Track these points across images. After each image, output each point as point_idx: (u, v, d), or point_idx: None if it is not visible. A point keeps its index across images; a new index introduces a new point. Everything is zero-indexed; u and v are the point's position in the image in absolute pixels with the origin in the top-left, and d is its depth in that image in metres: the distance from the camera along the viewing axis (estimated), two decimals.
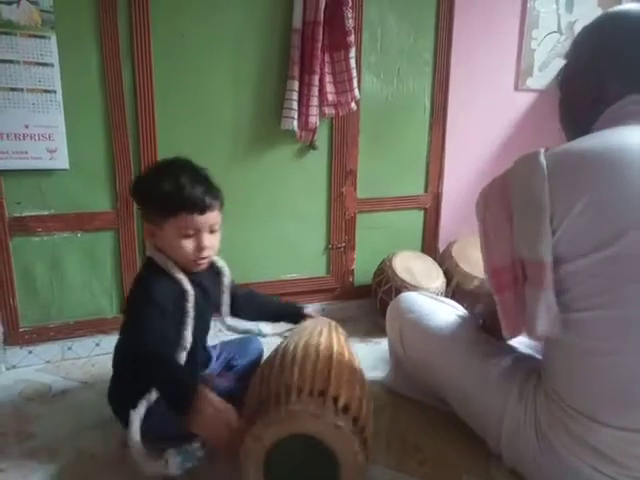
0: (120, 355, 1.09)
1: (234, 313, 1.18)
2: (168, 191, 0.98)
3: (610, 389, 0.76)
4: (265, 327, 1.26)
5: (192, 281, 1.04)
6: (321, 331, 1.05)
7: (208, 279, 1.11)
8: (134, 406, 0.92)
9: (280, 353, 0.97)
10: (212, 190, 1.03)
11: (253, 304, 1.23)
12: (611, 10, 0.86)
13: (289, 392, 0.82)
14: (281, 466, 0.81)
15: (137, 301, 1.00)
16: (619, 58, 0.82)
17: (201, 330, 1.10)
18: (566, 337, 0.80)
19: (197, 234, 1.01)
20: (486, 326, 1.03)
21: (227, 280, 1.16)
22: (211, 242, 1.03)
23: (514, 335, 0.84)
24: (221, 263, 1.16)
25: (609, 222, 0.72)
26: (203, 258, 1.03)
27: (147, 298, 0.97)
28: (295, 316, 1.22)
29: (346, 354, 0.97)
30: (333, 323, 1.15)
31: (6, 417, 1.16)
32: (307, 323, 1.14)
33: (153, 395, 0.94)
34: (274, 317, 1.26)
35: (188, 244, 1.01)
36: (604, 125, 0.81)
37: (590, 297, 0.75)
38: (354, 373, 0.92)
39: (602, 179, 0.73)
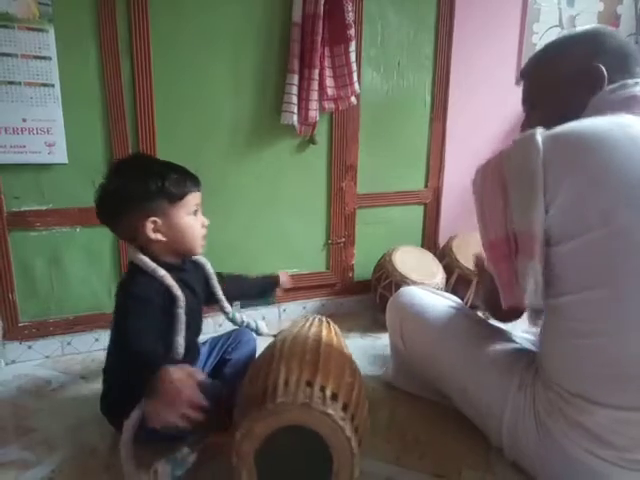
0: (111, 360, 1.06)
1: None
2: (164, 176, 0.98)
3: (598, 369, 0.77)
4: (262, 325, 1.24)
5: (179, 280, 1.01)
6: (311, 325, 1.06)
7: (191, 274, 1.09)
8: (126, 414, 0.87)
9: (269, 351, 0.96)
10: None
11: (230, 285, 1.20)
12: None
13: (276, 386, 0.81)
14: (274, 461, 0.80)
15: (120, 302, 0.97)
16: (614, 52, 0.86)
17: (193, 332, 1.08)
18: (555, 320, 0.82)
19: (197, 212, 1.04)
20: (487, 307, 1.03)
21: (209, 267, 1.14)
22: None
23: (513, 305, 0.85)
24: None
25: (598, 203, 0.73)
26: (204, 236, 1.06)
27: (129, 295, 0.95)
28: (271, 285, 1.29)
29: (334, 343, 0.97)
30: (324, 318, 1.15)
31: (6, 412, 1.16)
32: (298, 319, 1.15)
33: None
34: (252, 293, 1.30)
35: (196, 222, 1.03)
36: (592, 114, 0.82)
37: (577, 279, 0.77)
38: (343, 361, 0.92)
39: (591, 161, 0.74)
